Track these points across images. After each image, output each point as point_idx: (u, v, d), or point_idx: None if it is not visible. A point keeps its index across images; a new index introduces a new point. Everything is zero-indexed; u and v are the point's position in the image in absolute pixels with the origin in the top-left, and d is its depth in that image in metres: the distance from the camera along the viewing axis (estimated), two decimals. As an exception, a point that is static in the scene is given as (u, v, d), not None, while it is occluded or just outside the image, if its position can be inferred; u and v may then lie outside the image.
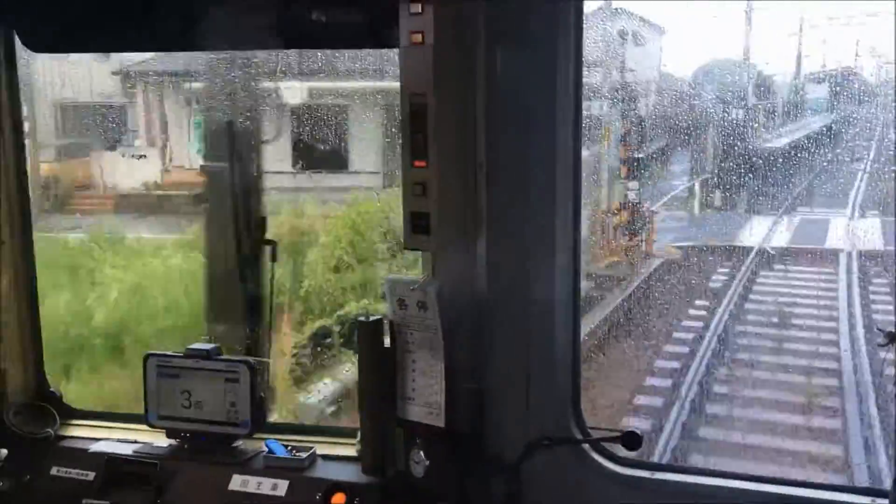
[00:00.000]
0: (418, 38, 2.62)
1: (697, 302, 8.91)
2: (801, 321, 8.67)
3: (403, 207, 2.73)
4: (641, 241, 8.62)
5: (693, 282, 8.95)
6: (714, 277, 9.16)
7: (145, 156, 10.20)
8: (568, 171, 2.82)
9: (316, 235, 9.25)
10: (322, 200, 9.47)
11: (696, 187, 8.67)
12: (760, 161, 7.19)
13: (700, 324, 8.67)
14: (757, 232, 9.04)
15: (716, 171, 7.87)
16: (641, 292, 8.45)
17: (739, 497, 2.75)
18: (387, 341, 2.84)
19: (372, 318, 2.82)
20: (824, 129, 7.28)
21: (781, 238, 9.20)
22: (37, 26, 3.26)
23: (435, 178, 2.68)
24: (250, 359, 3.11)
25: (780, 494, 2.72)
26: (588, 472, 2.85)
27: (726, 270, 9.21)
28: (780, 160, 7.28)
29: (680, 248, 9.21)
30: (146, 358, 3.18)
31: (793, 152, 7.30)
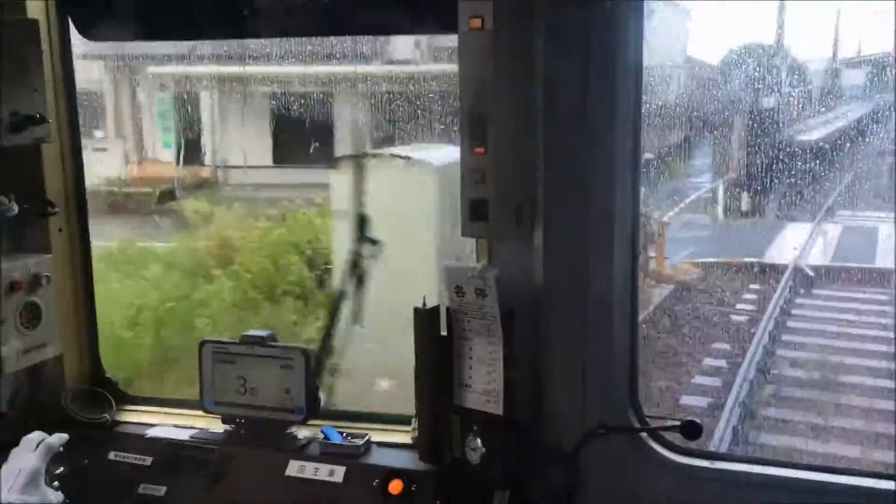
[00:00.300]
0: (478, 23, 2.59)
1: (715, 346, 7.55)
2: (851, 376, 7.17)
3: (462, 195, 2.71)
4: (645, 260, 7.57)
5: (712, 314, 7.81)
6: (739, 306, 7.97)
7: (105, 149, 9.49)
8: (627, 159, 2.78)
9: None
10: (289, 200, 8.71)
11: (720, 189, 7.79)
12: (794, 156, 6.42)
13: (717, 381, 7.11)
14: (791, 243, 8.22)
15: (743, 169, 7.18)
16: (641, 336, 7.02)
17: (803, 487, 2.72)
18: (443, 328, 2.84)
19: (429, 306, 2.81)
20: (865, 117, 6.69)
21: (822, 252, 8.35)
22: (91, 13, 3.28)
23: (493, 165, 2.66)
24: (305, 346, 3.12)
25: (846, 484, 2.68)
26: (646, 461, 2.83)
27: (753, 297, 8.08)
28: (817, 155, 6.56)
29: (698, 264, 8.33)
30: (202, 344, 3.20)
31: (830, 145, 6.72)
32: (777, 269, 8.28)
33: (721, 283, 8.15)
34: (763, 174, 6.62)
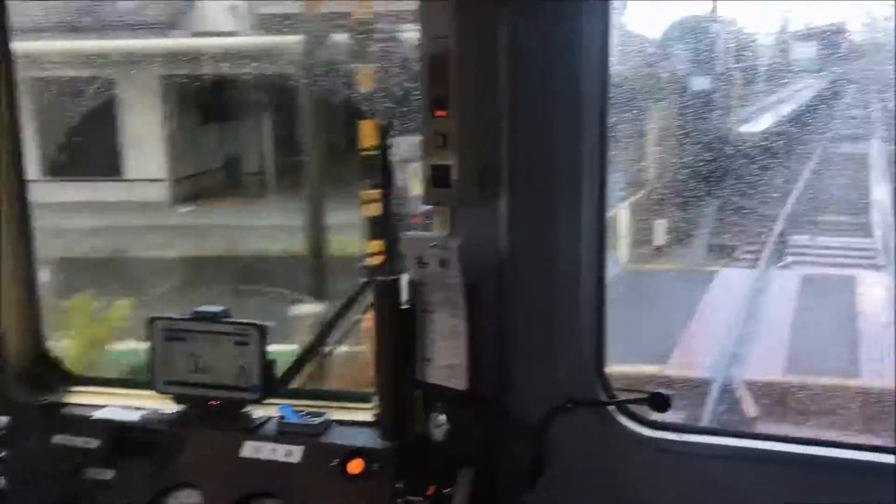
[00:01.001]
0: (440, -28, 2.47)
1: None
2: None
3: (423, 160, 2.59)
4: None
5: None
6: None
7: None
8: (594, 127, 2.69)
9: None
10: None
11: (622, 213, 5.48)
12: (733, 159, 4.85)
13: None
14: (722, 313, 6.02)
15: (662, 180, 5.22)
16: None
17: (773, 458, 2.67)
18: (404, 301, 2.73)
19: (389, 278, 2.70)
20: (821, 96, 5.81)
21: (769, 340, 5.89)
22: None
23: (456, 129, 2.55)
24: (260, 321, 2.99)
25: (817, 455, 2.63)
26: (615, 435, 2.76)
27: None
28: (763, 154, 4.99)
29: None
30: (150, 321, 3.05)
31: (780, 139, 5.37)
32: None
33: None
34: (688, 187, 4.88)
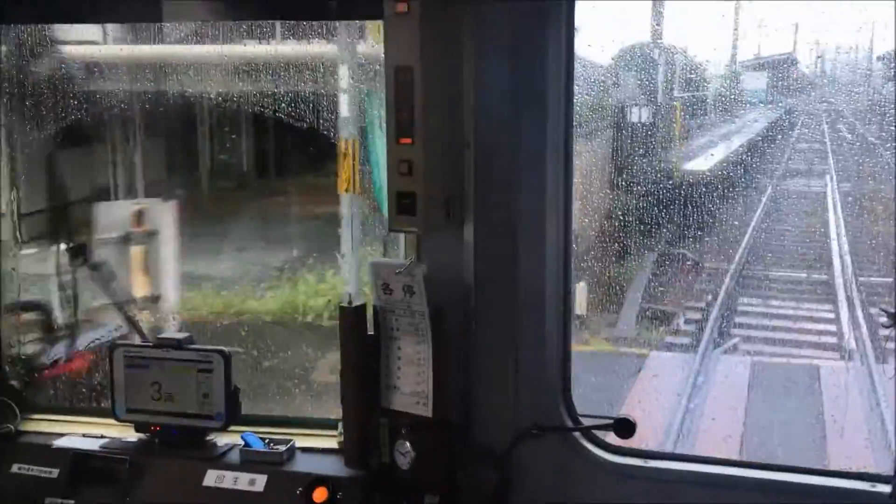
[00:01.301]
0: (403, 7, 2.48)
1: None
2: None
3: (388, 187, 2.59)
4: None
5: None
6: None
7: None
8: (559, 154, 2.71)
9: None
10: None
11: None
12: (675, 200, 4.11)
13: None
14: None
15: (588, 231, 4.13)
16: None
17: (734, 484, 2.68)
18: (370, 328, 2.72)
19: (355, 304, 2.69)
20: (774, 127, 5.27)
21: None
22: None
23: (421, 156, 2.55)
24: (225, 348, 2.95)
25: (776, 480, 2.66)
26: (579, 460, 2.76)
27: None
28: (709, 194, 4.25)
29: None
30: (112, 348, 3.01)
31: (730, 175, 4.62)
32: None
33: None
34: (619, 238, 4.15)
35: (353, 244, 7.24)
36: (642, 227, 4.17)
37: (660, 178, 4.29)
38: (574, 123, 2.75)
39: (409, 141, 2.55)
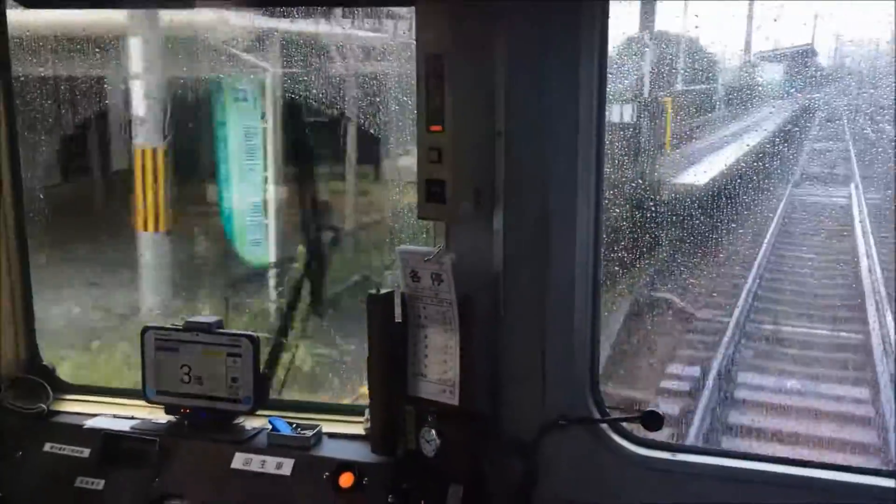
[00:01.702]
0: (437, -7, 2.47)
1: None
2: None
3: (418, 175, 2.59)
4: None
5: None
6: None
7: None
8: (590, 145, 2.68)
9: None
10: None
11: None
12: (660, 228, 3.42)
13: None
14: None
15: None
16: None
17: (763, 479, 2.65)
18: (398, 315, 2.72)
19: (383, 291, 2.69)
20: (788, 128, 4.39)
21: None
22: None
23: (451, 144, 2.54)
24: (252, 332, 2.97)
25: (805, 476, 2.62)
26: (606, 453, 2.74)
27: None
28: (705, 220, 3.49)
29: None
30: (144, 331, 3.05)
31: (733, 196, 3.60)
32: None
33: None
34: None
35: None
36: (614, 266, 3.34)
37: (640, 195, 3.39)
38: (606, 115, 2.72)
39: (439, 129, 2.54)
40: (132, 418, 3.09)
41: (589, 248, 2.74)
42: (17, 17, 3.13)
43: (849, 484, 2.60)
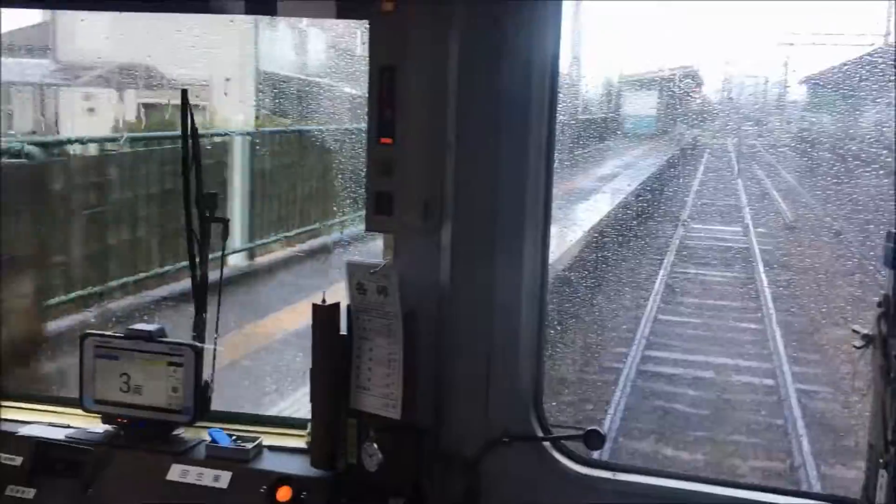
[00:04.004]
0: (390, 6, 2.48)
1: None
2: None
3: (367, 186, 2.58)
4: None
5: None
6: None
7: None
8: (540, 161, 2.71)
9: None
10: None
11: None
12: None
13: None
14: None
15: None
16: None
17: (701, 500, 2.67)
18: (343, 328, 2.70)
19: (328, 303, 2.67)
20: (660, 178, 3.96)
21: None
22: None
23: (401, 158, 2.54)
24: (195, 343, 2.93)
25: (745, 499, 2.64)
26: (549, 471, 2.74)
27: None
28: None
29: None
30: (83, 337, 2.98)
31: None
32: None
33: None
34: None
35: None
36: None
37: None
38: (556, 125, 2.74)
39: (389, 141, 2.54)
40: (68, 427, 3.01)
41: (536, 265, 2.75)
42: None
43: None
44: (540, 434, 2.77)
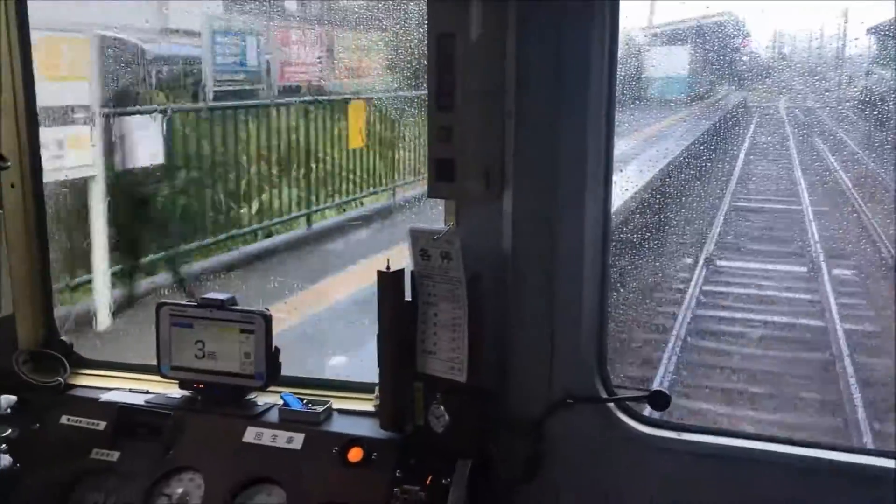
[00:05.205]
0: (448, -26, 2.49)
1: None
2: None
3: (428, 154, 2.62)
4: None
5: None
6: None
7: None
8: (600, 125, 2.70)
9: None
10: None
11: None
12: None
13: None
14: None
15: None
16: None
17: (767, 458, 2.67)
18: (408, 294, 2.75)
19: (393, 270, 2.72)
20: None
21: None
22: None
23: (461, 124, 2.57)
24: (266, 309, 3.02)
25: (812, 457, 2.63)
26: (613, 432, 2.77)
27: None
28: None
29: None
30: (159, 307, 3.10)
31: None
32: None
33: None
34: None
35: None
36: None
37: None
38: (616, 94, 2.73)
39: (449, 108, 2.57)
40: (147, 392, 3.15)
41: (597, 231, 2.75)
42: None
43: (865, 467, 2.61)
44: (604, 395, 2.79)
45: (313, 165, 10.09)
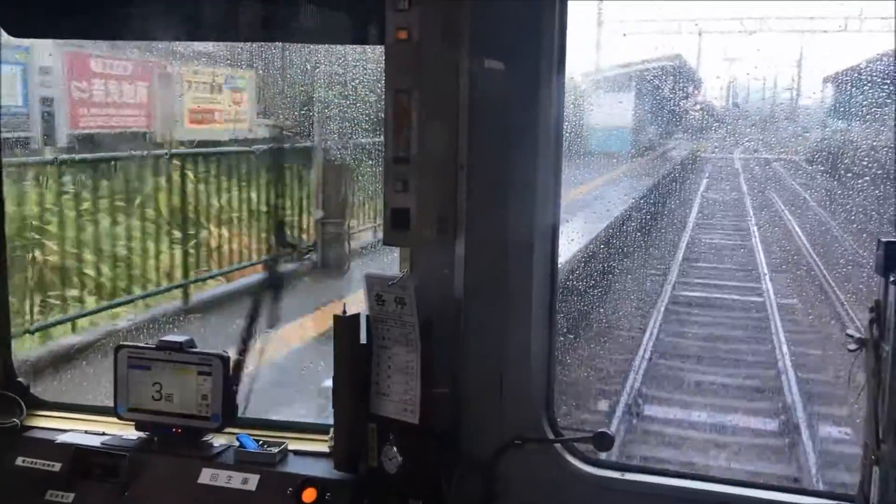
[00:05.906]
0: (404, 34, 2.62)
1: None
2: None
3: (384, 203, 2.73)
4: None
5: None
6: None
7: None
8: (549, 175, 2.84)
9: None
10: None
11: None
12: None
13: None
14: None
15: None
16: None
17: (710, 499, 2.78)
18: (363, 337, 2.84)
19: (349, 314, 2.81)
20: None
21: None
22: (18, 11, 3.22)
23: (416, 175, 2.69)
24: (223, 352, 3.08)
25: (752, 497, 2.75)
26: (560, 472, 2.86)
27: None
28: None
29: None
30: (117, 349, 3.14)
31: None
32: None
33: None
34: None
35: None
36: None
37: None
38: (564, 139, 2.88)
39: (405, 160, 2.69)
40: (103, 434, 3.17)
41: (546, 276, 2.88)
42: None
43: None
44: (551, 437, 2.89)
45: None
